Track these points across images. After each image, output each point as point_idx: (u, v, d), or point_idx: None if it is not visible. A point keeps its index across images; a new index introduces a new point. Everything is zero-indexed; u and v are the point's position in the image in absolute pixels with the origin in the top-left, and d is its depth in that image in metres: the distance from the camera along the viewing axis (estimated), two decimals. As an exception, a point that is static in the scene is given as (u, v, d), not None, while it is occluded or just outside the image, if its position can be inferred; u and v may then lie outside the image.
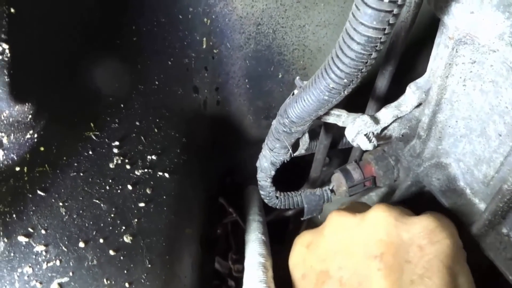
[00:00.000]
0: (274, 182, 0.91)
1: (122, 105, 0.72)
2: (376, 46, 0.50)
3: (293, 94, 0.70)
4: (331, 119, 0.76)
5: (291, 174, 1.13)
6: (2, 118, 0.48)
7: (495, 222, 0.70)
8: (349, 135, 0.75)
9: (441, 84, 0.68)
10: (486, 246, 0.71)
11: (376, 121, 0.75)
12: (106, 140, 0.66)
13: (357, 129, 0.74)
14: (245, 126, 1.12)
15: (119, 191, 0.64)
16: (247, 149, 1.19)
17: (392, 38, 0.78)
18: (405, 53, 0.82)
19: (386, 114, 0.75)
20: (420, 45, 0.85)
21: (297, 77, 0.69)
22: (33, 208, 0.53)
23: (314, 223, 1.27)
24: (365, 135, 0.74)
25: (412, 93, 0.74)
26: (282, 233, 1.51)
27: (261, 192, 0.93)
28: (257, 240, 0.93)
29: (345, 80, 0.55)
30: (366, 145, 0.74)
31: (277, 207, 0.94)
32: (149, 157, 0.72)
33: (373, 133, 0.74)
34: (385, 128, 0.77)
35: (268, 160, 0.85)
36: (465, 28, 0.59)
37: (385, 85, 0.84)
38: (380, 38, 0.49)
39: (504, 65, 0.60)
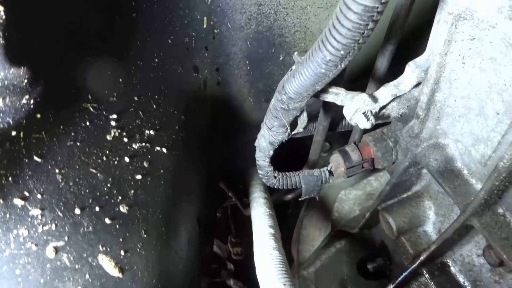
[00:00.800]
0: (273, 164, 0.91)
1: (120, 80, 0.72)
2: (373, 15, 0.50)
3: (291, 70, 0.70)
4: (329, 98, 0.76)
5: (292, 161, 1.14)
6: (-2, 80, 0.49)
7: (491, 202, 0.70)
8: (347, 113, 0.74)
9: (440, 62, 0.68)
10: (481, 225, 0.71)
11: (375, 99, 0.75)
12: (104, 112, 0.66)
13: (355, 107, 0.73)
14: (245, 108, 1.12)
15: (116, 162, 0.64)
16: (248, 133, 1.19)
17: (392, 17, 0.77)
18: (406, 32, 0.81)
19: (385, 93, 0.75)
20: (421, 25, 0.84)
21: (295, 52, 0.68)
22: (29, 173, 0.54)
23: (313, 207, 1.28)
24: (363, 113, 0.74)
25: (411, 72, 0.73)
26: (281, 218, 1.52)
27: (259, 172, 0.93)
28: (265, 213, 0.94)
29: (342, 52, 0.55)
30: (364, 124, 0.74)
31: (275, 187, 0.94)
32: (147, 131, 0.73)
33: (371, 111, 0.74)
34: (384, 107, 0.77)
35: (266, 140, 0.86)
36: (465, 2, 0.59)
37: (385, 65, 0.84)
38: (377, 7, 0.49)
39: (503, 41, 0.60)
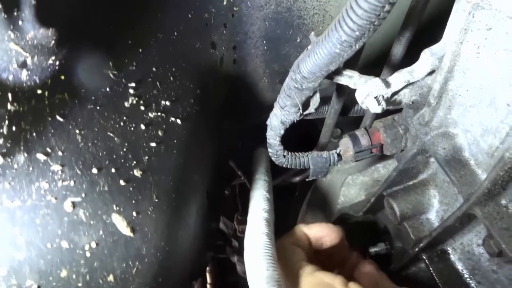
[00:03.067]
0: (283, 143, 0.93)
1: (140, 50, 0.74)
2: (390, -2, 0.51)
3: (307, 49, 0.71)
4: (343, 80, 0.78)
5: (303, 146, 1.15)
6: (27, 38, 0.51)
7: (495, 192, 0.71)
8: (359, 96, 0.76)
9: (455, 50, 0.69)
10: (483, 214, 0.73)
11: (388, 84, 0.76)
12: (123, 80, 0.69)
13: (368, 91, 0.75)
14: (259, 88, 1.14)
15: (132, 128, 0.67)
16: (260, 113, 1.21)
17: (411, 2, 0.78)
18: (425, 20, 0.82)
19: (398, 78, 0.76)
20: (440, 13, 0.84)
21: (312, 33, 0.70)
22: (52, 131, 0.57)
23: (320, 191, 1.30)
24: (375, 97, 0.75)
25: (426, 59, 0.74)
26: (288, 200, 1.54)
27: (269, 150, 0.95)
28: (261, 196, 0.96)
29: (357, 33, 0.56)
30: (375, 108, 0.75)
31: (284, 165, 0.96)
32: (163, 102, 0.75)
33: (383, 96, 0.75)
34: (396, 93, 0.78)
35: (278, 119, 0.87)
36: (484, -9, 0.59)
37: (401, 52, 0.85)
38: (395, -10, 0.50)
39: (519, 32, 0.60)
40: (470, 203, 0.74)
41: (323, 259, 0.91)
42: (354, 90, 0.77)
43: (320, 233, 0.91)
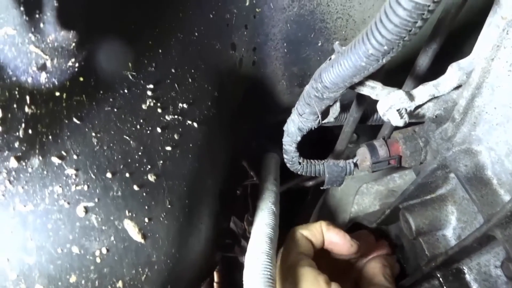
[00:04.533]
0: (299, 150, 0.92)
1: (160, 51, 0.73)
2: (423, 14, 0.49)
3: (330, 59, 0.69)
4: (365, 91, 0.76)
5: (318, 147, 1.13)
6: (48, 41, 0.50)
7: (518, 215, 0.69)
8: (381, 108, 0.74)
9: (485, 66, 0.66)
10: (504, 237, 0.70)
11: (411, 97, 0.73)
12: (142, 81, 0.67)
13: (390, 103, 0.72)
14: (277, 91, 1.12)
15: (148, 132, 0.66)
16: (276, 115, 1.19)
17: (441, 14, 0.75)
18: (453, 32, 0.79)
19: (423, 92, 0.74)
20: (470, 26, 0.81)
21: (336, 42, 0.68)
22: (68, 133, 0.56)
23: (333, 197, 1.28)
24: (397, 110, 0.73)
25: (453, 73, 0.72)
26: (299, 203, 1.53)
27: (285, 156, 0.94)
28: (267, 209, 0.95)
29: (385, 47, 0.54)
30: (397, 121, 0.73)
31: (299, 173, 0.94)
32: (180, 104, 0.74)
33: (406, 109, 0.73)
34: (419, 106, 0.76)
35: (296, 125, 0.86)
36: (521, 8, 0.57)
37: (427, 63, 0.82)
38: (429, 5, 0.48)
39: (555, 53, 0.57)
40: (491, 224, 0.71)
41: (328, 257, 0.95)
42: (375, 100, 0.75)
43: (335, 239, 0.92)
